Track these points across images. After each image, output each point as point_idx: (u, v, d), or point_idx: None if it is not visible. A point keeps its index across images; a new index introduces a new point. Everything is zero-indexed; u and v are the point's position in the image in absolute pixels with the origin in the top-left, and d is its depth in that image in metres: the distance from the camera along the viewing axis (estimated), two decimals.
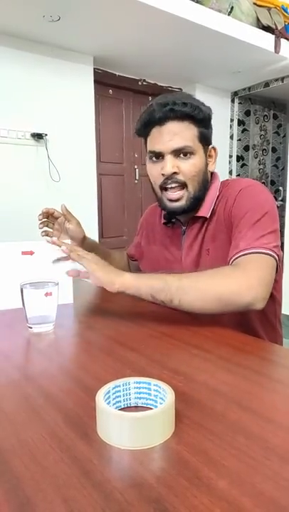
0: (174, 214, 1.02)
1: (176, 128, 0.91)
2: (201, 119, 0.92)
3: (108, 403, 0.47)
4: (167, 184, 0.94)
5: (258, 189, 0.94)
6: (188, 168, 0.93)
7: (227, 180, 1.03)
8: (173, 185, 0.94)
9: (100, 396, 0.46)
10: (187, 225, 1.02)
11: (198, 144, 0.93)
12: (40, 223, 1.14)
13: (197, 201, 0.97)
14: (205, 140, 0.95)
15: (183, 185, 0.94)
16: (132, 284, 0.80)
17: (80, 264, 0.83)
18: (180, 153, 0.92)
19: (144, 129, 0.96)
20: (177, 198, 0.94)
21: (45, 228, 1.15)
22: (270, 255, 0.82)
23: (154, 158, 0.95)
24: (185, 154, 0.92)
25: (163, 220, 1.08)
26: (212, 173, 1.03)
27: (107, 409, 0.44)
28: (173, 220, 1.06)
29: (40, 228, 1.14)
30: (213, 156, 1.00)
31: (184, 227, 1.04)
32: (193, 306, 0.79)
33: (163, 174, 0.93)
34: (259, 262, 0.81)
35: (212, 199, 0.98)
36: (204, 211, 0.98)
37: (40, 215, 1.13)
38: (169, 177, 0.93)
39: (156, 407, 0.44)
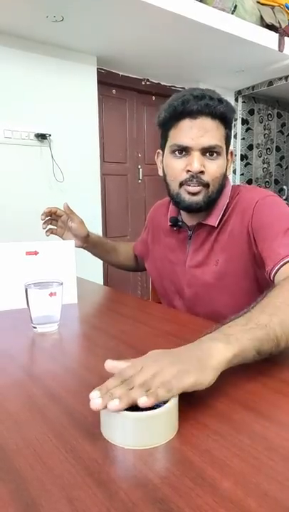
0: (187, 210, 0.96)
1: (208, 125, 0.86)
2: (230, 120, 0.90)
3: None
4: (190, 182, 0.90)
5: (275, 200, 0.91)
6: (214, 169, 0.89)
7: (238, 186, 1.00)
8: (196, 184, 0.90)
9: None
10: (194, 230, 1.00)
11: (224, 145, 0.91)
12: (44, 222, 1.15)
13: (212, 202, 0.94)
14: (228, 142, 0.93)
15: (205, 186, 0.90)
16: (234, 353, 0.54)
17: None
18: (207, 152, 0.88)
19: (171, 120, 0.90)
20: (197, 191, 0.90)
21: (50, 226, 1.16)
22: None
23: (177, 153, 0.90)
24: (212, 154, 0.88)
25: (169, 223, 1.05)
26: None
27: None
28: (179, 223, 1.03)
29: (43, 228, 1.15)
30: (230, 160, 0.97)
31: (190, 232, 1.01)
32: None
33: (189, 171, 0.89)
34: None
35: (222, 207, 0.95)
36: (212, 219, 0.95)
37: (42, 214, 1.14)
38: (194, 175, 0.89)
39: (159, 406, 0.44)
